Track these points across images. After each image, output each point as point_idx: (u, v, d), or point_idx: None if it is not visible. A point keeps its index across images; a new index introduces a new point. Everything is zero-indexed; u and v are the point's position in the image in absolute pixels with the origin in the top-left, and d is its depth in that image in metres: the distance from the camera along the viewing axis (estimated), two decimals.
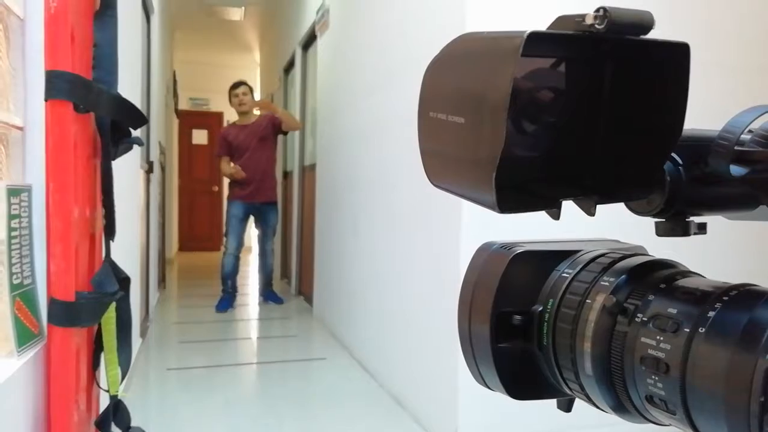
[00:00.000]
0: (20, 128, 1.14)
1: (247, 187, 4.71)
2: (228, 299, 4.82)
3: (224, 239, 4.81)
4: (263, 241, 4.95)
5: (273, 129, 4.76)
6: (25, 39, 1.13)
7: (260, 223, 4.92)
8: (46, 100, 1.08)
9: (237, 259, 4.77)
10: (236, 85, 4.85)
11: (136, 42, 3.26)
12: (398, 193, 2.80)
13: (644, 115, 0.32)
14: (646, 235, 0.38)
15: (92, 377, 1.30)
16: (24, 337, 1.07)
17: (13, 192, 1.06)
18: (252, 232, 5.43)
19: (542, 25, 0.29)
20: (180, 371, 3.28)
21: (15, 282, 1.06)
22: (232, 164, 4.76)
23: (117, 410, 1.31)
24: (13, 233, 1.06)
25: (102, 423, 1.30)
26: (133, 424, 1.35)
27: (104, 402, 1.34)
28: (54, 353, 1.12)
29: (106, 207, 1.31)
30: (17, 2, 1.11)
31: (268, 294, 5.05)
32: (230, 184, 4.87)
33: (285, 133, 5.04)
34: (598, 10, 0.27)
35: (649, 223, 0.34)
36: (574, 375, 0.33)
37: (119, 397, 1.32)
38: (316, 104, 4.90)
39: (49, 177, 1.10)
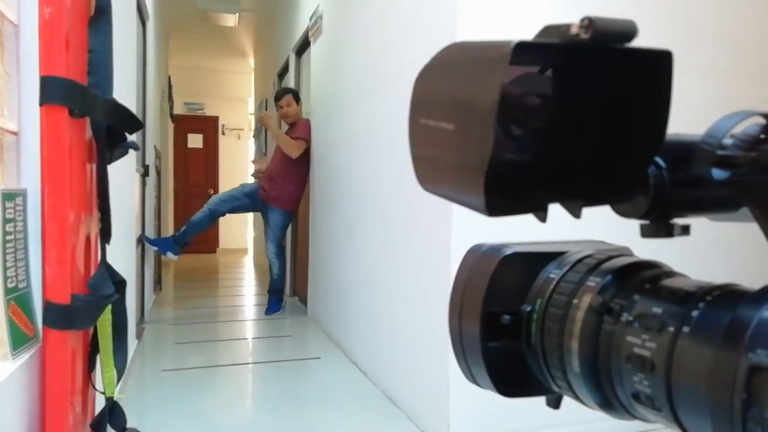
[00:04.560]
0: (15, 133, 1.14)
1: (263, 180, 4.66)
2: (166, 242, 4.57)
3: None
4: (265, 244, 4.74)
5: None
6: (19, 44, 1.13)
7: (264, 224, 4.76)
8: (40, 105, 1.08)
9: (207, 216, 4.55)
10: (278, 96, 4.66)
11: (132, 47, 3.26)
12: (390, 196, 2.80)
13: (629, 120, 0.32)
14: (631, 236, 0.39)
15: (88, 379, 1.30)
16: (18, 340, 1.07)
17: (7, 196, 1.07)
18: (250, 235, 5.37)
19: (530, 34, 0.30)
20: (176, 372, 3.28)
21: (10, 286, 1.06)
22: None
23: (113, 412, 1.32)
24: (8, 237, 1.06)
25: (98, 425, 1.30)
26: (128, 425, 1.35)
27: (100, 404, 1.35)
28: (49, 356, 1.12)
29: (102, 210, 1.31)
30: (11, 8, 1.11)
31: (269, 300, 4.75)
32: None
33: None
34: (583, 20, 0.28)
35: (634, 225, 0.35)
36: (562, 373, 0.34)
37: (115, 399, 1.32)
38: (309, 109, 4.89)
39: (44, 181, 1.10)
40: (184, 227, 4.56)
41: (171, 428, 2.48)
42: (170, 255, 4.52)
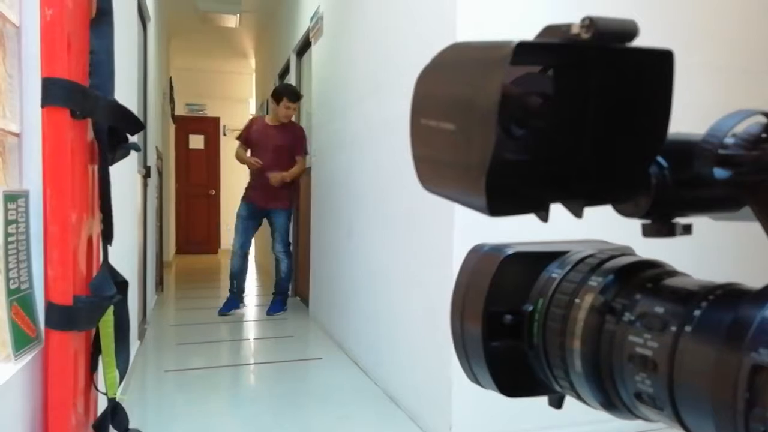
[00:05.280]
0: (17, 134, 1.14)
1: (254, 189, 4.70)
2: (233, 301, 4.81)
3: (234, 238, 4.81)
4: (273, 245, 4.82)
5: (292, 145, 4.69)
6: (21, 46, 1.14)
7: (270, 228, 4.82)
8: (42, 107, 1.08)
9: (242, 258, 4.74)
10: (298, 98, 4.72)
11: (133, 49, 3.26)
12: (392, 196, 2.81)
13: (630, 119, 0.32)
14: (633, 235, 0.39)
15: (90, 380, 1.30)
16: (21, 341, 1.07)
17: (9, 198, 1.07)
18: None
19: (530, 33, 0.30)
20: (178, 373, 3.28)
21: (12, 287, 1.06)
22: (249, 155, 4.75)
23: (115, 413, 1.32)
24: (10, 239, 1.06)
25: (100, 425, 1.30)
26: (131, 426, 1.36)
27: (102, 405, 1.35)
28: (52, 357, 1.12)
29: (103, 211, 1.31)
30: (13, 10, 1.11)
31: (272, 301, 4.86)
32: (248, 183, 4.84)
33: None
34: (584, 20, 0.28)
35: (636, 224, 0.35)
36: (564, 373, 0.34)
37: (117, 400, 1.33)
38: (311, 109, 4.90)
39: (46, 182, 1.10)
40: (233, 282, 4.82)
41: (173, 429, 2.48)
42: (241, 306, 4.94)
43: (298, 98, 4.73)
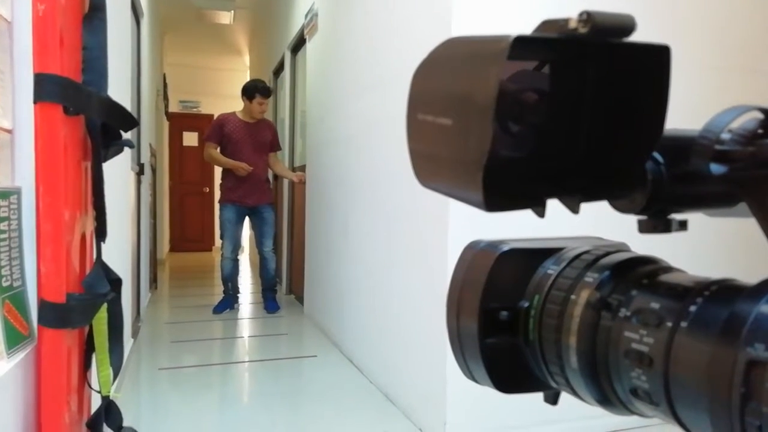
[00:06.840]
0: (9, 131, 1.14)
1: (239, 189, 4.59)
2: (228, 301, 4.81)
3: (221, 242, 4.75)
4: (260, 243, 4.74)
5: (270, 141, 4.74)
6: (13, 42, 1.13)
7: (256, 225, 4.76)
8: (35, 103, 1.08)
9: (234, 261, 4.72)
10: (270, 93, 4.74)
11: (126, 45, 3.25)
12: (387, 193, 2.80)
13: (626, 115, 0.32)
14: (629, 232, 0.39)
15: (83, 378, 1.29)
16: (13, 339, 1.06)
17: (1, 195, 1.06)
18: (245, 233, 5.39)
19: (526, 28, 0.30)
20: (172, 371, 3.28)
21: (4, 284, 1.06)
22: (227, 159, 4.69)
23: (109, 410, 1.31)
24: (2, 236, 1.06)
25: (94, 423, 1.30)
26: (125, 424, 1.35)
27: (96, 402, 1.34)
28: (45, 355, 1.11)
29: (97, 209, 1.31)
30: (4, 5, 1.10)
31: (265, 300, 4.87)
32: (222, 186, 4.71)
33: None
34: (581, 15, 0.28)
35: (632, 220, 0.35)
36: (560, 369, 0.34)
37: (111, 398, 1.32)
38: (305, 106, 4.89)
39: (38, 179, 1.09)
40: (226, 284, 4.81)
41: (167, 427, 2.48)
42: (236, 307, 4.96)
43: (270, 93, 4.77)
